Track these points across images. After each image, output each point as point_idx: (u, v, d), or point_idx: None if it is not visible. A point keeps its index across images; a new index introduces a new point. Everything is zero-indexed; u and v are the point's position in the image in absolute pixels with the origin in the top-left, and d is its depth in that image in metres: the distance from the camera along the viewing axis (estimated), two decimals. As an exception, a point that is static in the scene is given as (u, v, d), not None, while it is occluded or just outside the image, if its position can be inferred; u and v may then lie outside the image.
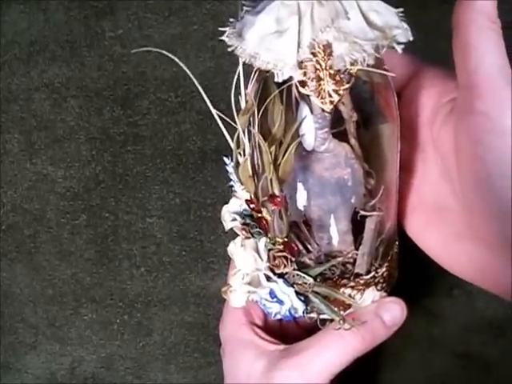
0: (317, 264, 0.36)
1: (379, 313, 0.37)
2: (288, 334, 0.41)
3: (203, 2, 0.49)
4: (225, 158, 0.37)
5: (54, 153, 0.49)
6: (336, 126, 0.35)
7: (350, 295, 0.36)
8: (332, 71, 0.31)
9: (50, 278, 0.49)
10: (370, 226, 0.36)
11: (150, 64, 0.49)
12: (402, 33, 0.31)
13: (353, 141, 0.35)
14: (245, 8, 0.33)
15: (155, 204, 0.49)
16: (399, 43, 0.31)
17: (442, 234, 0.36)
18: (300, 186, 0.36)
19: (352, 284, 0.36)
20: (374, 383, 0.49)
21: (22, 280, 0.49)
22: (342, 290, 0.36)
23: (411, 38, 0.32)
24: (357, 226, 0.37)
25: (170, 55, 0.35)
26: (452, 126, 0.33)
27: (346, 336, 0.36)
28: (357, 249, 0.37)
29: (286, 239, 0.35)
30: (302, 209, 0.36)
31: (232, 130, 0.50)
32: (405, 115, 0.36)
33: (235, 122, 0.35)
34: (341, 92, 0.31)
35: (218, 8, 0.49)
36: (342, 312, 0.36)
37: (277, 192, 0.34)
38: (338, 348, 0.36)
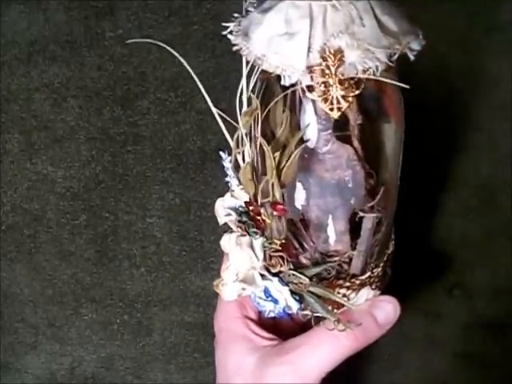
0: (313, 263, 0.36)
1: (372, 312, 0.37)
2: (282, 328, 0.41)
3: (203, 1, 0.49)
4: (221, 153, 0.37)
5: (54, 153, 0.49)
6: (340, 128, 0.35)
7: (344, 295, 0.36)
8: (341, 77, 0.30)
9: (50, 277, 0.49)
10: (367, 225, 0.36)
11: (150, 64, 0.49)
12: (416, 39, 0.31)
13: (356, 143, 0.35)
14: (249, 2, 0.33)
15: (155, 204, 0.49)
16: (412, 50, 0.31)
17: None
18: (299, 185, 0.36)
19: (347, 284, 0.36)
20: (374, 383, 0.49)
21: (21, 280, 0.49)
22: (337, 289, 0.36)
23: (424, 43, 0.31)
24: (353, 225, 0.37)
25: (170, 50, 0.35)
26: None
27: (339, 335, 0.36)
28: (353, 249, 0.37)
29: (283, 240, 0.35)
30: (300, 208, 0.36)
31: (232, 130, 0.50)
32: None
33: (237, 122, 0.35)
34: (349, 99, 0.31)
35: (218, 8, 0.49)
36: (335, 311, 0.36)
37: (278, 196, 0.34)
38: (329, 346, 0.36)
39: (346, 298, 0.36)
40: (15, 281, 0.49)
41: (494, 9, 0.49)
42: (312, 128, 0.34)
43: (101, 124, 0.49)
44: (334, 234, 0.37)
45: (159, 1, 0.49)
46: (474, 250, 0.49)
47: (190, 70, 0.35)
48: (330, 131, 0.34)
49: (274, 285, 0.36)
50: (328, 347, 0.36)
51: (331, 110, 0.31)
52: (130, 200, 0.49)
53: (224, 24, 0.32)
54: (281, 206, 0.34)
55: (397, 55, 0.30)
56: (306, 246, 0.37)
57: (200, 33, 0.49)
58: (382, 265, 0.37)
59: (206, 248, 0.49)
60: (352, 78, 0.31)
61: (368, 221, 0.36)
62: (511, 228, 0.49)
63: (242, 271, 0.36)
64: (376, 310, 0.37)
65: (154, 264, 0.49)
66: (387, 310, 0.37)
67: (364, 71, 0.30)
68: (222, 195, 0.49)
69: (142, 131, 0.49)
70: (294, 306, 0.36)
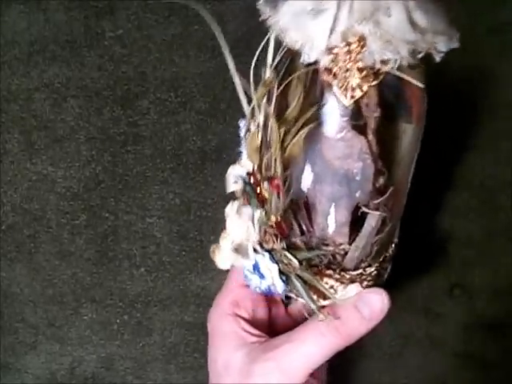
0: (307, 248, 0.36)
1: (357, 305, 0.36)
2: (277, 328, 0.41)
3: (203, 2, 0.49)
4: (240, 121, 0.36)
5: (54, 153, 0.49)
6: (358, 118, 0.34)
7: (332, 286, 0.36)
8: (361, 65, 0.30)
9: (49, 277, 0.49)
10: (370, 223, 0.36)
11: (150, 64, 0.49)
12: (446, 40, 0.30)
13: (371, 136, 0.34)
14: None
15: (155, 204, 0.49)
16: (439, 51, 0.30)
17: None
18: (308, 168, 0.35)
19: (337, 276, 0.36)
20: (374, 383, 0.49)
21: (21, 280, 0.49)
22: (325, 279, 0.36)
23: (455, 46, 0.30)
24: (355, 219, 0.36)
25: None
26: None
27: (325, 331, 0.36)
28: (350, 243, 0.36)
29: (279, 218, 0.35)
30: (306, 190, 0.36)
31: (232, 130, 0.50)
32: None
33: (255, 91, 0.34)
34: (364, 88, 0.30)
35: (218, 8, 0.49)
36: (321, 301, 0.36)
37: (278, 172, 0.33)
38: (314, 343, 0.36)
39: (332, 290, 0.36)
40: (15, 281, 0.49)
41: (496, 9, 0.49)
42: (328, 111, 0.33)
43: (101, 124, 0.49)
44: (333, 223, 0.36)
45: (159, 1, 0.49)
46: (474, 250, 0.49)
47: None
48: (346, 118, 0.33)
49: (265, 261, 0.35)
50: (313, 344, 0.36)
51: (345, 96, 0.30)
52: (130, 200, 0.49)
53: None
54: (276, 182, 0.33)
55: (422, 53, 0.30)
56: (304, 229, 0.36)
57: (200, 33, 0.49)
58: (376, 265, 0.37)
59: (206, 248, 0.49)
60: (372, 68, 0.30)
61: (372, 218, 0.36)
62: (511, 228, 0.49)
63: (237, 241, 0.36)
64: (361, 304, 0.36)
65: (154, 264, 0.49)
66: (374, 302, 0.36)
67: (383, 62, 0.29)
68: (222, 195, 0.49)
69: (142, 131, 0.49)
70: (280, 286, 0.36)
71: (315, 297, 0.36)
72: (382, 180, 0.35)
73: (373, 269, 0.37)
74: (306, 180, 0.35)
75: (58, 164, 0.49)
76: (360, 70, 0.30)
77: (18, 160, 0.49)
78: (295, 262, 0.35)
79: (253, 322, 0.40)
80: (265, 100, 0.34)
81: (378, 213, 0.35)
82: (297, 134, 0.32)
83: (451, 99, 0.48)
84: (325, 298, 0.36)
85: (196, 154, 0.49)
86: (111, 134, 0.49)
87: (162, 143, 0.49)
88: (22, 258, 0.49)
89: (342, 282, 0.36)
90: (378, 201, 0.35)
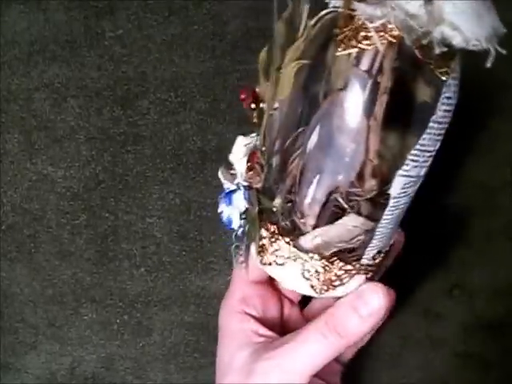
0: (273, 201, 0.36)
1: (355, 305, 0.36)
2: (291, 331, 0.41)
3: (203, 1, 0.49)
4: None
5: (54, 153, 0.49)
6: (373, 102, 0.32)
7: (339, 276, 0.36)
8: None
9: (49, 277, 0.49)
10: (345, 222, 0.35)
11: (150, 64, 0.49)
12: (456, 34, 0.29)
13: (373, 121, 0.33)
14: None
15: (155, 204, 0.49)
16: (439, 41, 0.29)
17: None
18: (314, 122, 0.34)
19: (349, 267, 0.36)
20: (373, 383, 0.49)
21: (22, 280, 0.49)
22: (312, 256, 0.35)
23: (473, 48, 0.30)
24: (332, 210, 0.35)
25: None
26: None
27: (326, 331, 0.36)
28: (314, 227, 0.35)
29: (259, 155, 0.35)
30: (307, 151, 0.35)
31: (232, 131, 0.50)
32: None
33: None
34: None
35: (218, 8, 0.49)
36: (330, 290, 0.36)
37: (267, 96, 0.34)
38: (315, 344, 0.36)
39: (339, 281, 0.36)
40: (15, 281, 0.49)
41: (499, 9, 0.49)
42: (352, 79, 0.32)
43: (101, 124, 0.49)
44: (310, 196, 0.35)
45: (159, 1, 0.49)
46: (473, 250, 0.49)
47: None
48: (366, 76, 0.32)
49: (239, 193, 0.36)
50: (314, 344, 0.36)
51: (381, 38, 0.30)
52: (130, 200, 0.49)
53: None
54: (243, 93, 0.35)
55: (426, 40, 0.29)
56: (291, 189, 0.36)
57: (200, 33, 0.49)
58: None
59: (206, 248, 0.49)
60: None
61: (348, 219, 0.35)
62: (511, 228, 0.49)
63: (231, 157, 0.37)
64: (357, 303, 0.36)
65: (154, 264, 0.49)
66: (369, 300, 0.35)
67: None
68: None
69: (142, 131, 0.49)
70: (234, 223, 0.36)
71: (325, 287, 0.36)
72: (372, 182, 0.34)
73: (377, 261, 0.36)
74: (312, 141, 0.35)
75: (58, 164, 0.49)
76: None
77: (18, 160, 0.49)
78: (255, 206, 0.35)
79: (263, 321, 0.40)
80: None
81: (354, 217, 0.34)
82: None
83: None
84: (333, 286, 0.36)
85: (196, 153, 0.49)
86: (111, 134, 0.49)
87: (162, 143, 0.49)
88: (22, 258, 0.49)
89: (349, 272, 0.35)
90: (358, 199, 0.34)
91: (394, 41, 0.31)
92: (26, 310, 0.49)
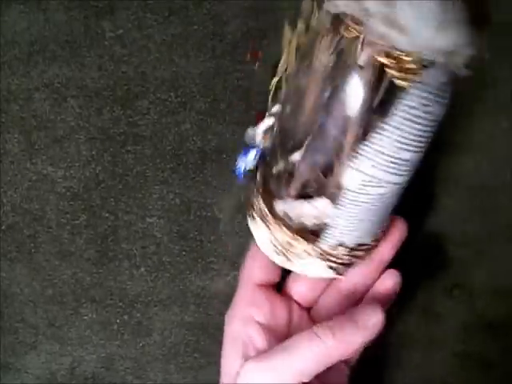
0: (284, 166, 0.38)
1: (352, 316, 0.37)
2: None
3: (203, 1, 0.49)
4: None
5: (54, 153, 0.49)
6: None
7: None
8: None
9: (49, 277, 0.49)
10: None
11: (149, 64, 0.49)
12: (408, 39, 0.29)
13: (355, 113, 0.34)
14: None
15: (155, 204, 0.49)
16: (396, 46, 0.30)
17: None
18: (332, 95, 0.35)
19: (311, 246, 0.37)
20: (373, 383, 0.49)
21: (22, 280, 0.49)
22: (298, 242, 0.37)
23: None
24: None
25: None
26: None
27: (324, 338, 0.36)
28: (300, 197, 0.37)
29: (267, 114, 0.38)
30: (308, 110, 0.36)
31: (232, 131, 0.50)
32: None
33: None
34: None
35: (218, 8, 0.49)
36: (333, 268, 0.37)
37: (283, 59, 0.36)
38: (311, 349, 0.36)
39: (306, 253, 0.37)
40: (15, 281, 0.49)
41: (495, 8, 0.49)
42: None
43: (101, 124, 0.49)
44: (308, 159, 0.37)
45: (159, 1, 0.49)
46: (473, 250, 0.49)
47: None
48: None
49: (255, 151, 0.39)
50: (309, 349, 0.36)
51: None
52: (130, 200, 0.49)
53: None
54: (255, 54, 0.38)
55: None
56: (282, 143, 0.38)
57: (200, 33, 0.49)
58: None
59: (206, 248, 0.49)
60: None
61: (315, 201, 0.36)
62: (511, 228, 0.49)
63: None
64: (356, 315, 0.37)
65: (154, 264, 0.49)
66: (365, 316, 0.37)
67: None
68: (222, 195, 0.49)
69: (142, 131, 0.49)
70: (242, 172, 0.40)
71: (331, 271, 0.37)
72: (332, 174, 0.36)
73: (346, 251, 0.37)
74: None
75: (58, 164, 0.49)
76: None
77: (18, 160, 0.49)
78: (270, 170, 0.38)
79: (269, 327, 0.40)
80: None
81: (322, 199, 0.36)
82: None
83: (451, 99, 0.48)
84: (290, 261, 0.37)
85: (196, 153, 0.49)
86: (111, 134, 0.49)
87: (162, 143, 0.49)
88: (22, 258, 0.49)
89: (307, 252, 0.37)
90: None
91: (358, 35, 0.31)
92: (26, 310, 0.49)
